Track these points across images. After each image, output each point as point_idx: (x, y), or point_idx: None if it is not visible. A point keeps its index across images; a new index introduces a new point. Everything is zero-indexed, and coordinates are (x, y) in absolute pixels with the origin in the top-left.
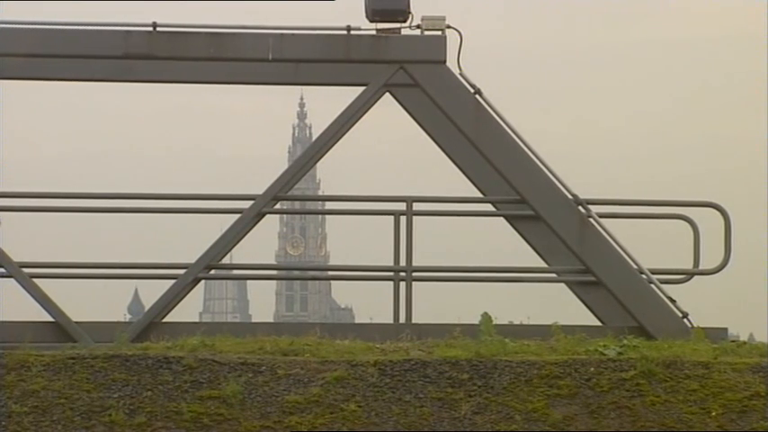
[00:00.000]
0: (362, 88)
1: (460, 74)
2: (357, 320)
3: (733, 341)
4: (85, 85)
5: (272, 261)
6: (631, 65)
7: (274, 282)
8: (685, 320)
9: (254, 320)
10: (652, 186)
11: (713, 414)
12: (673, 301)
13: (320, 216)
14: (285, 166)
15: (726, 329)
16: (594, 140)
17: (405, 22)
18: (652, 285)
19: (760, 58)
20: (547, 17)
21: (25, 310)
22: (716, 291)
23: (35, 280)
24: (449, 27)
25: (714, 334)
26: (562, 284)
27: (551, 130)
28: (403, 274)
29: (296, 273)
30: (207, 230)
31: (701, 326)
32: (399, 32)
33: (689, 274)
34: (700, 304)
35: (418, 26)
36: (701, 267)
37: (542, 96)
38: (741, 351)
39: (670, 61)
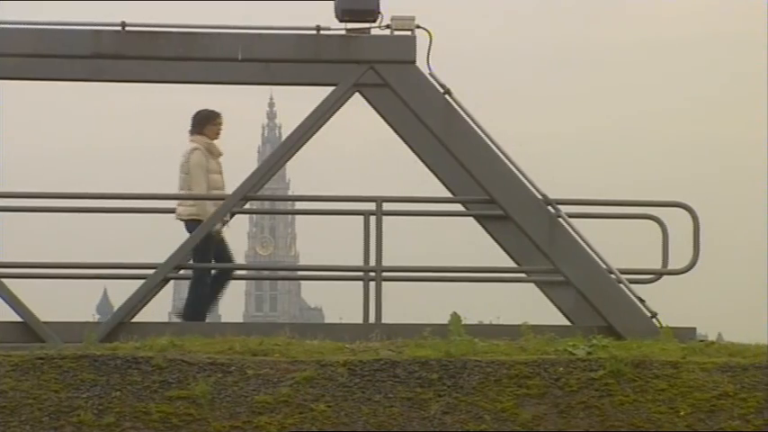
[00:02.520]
0: (332, 88)
1: (430, 74)
2: (327, 320)
3: (701, 341)
4: (53, 84)
5: (242, 261)
6: (610, 66)
7: (244, 282)
8: (654, 320)
9: (223, 320)
10: (625, 187)
11: (682, 413)
12: (642, 300)
13: (290, 216)
14: (255, 165)
15: (694, 329)
16: (569, 142)
17: (374, 22)
18: (621, 285)
19: (739, 60)
20: (523, 17)
21: None
22: (684, 291)
23: (2, 280)
24: (418, 27)
25: (683, 334)
26: (532, 284)
27: (527, 131)
28: (373, 274)
29: (265, 273)
30: (176, 230)
31: (670, 326)
32: (369, 32)
33: (658, 274)
34: (668, 304)
35: (388, 26)
36: (669, 267)
37: (516, 97)
38: (709, 351)
39: (651, 62)
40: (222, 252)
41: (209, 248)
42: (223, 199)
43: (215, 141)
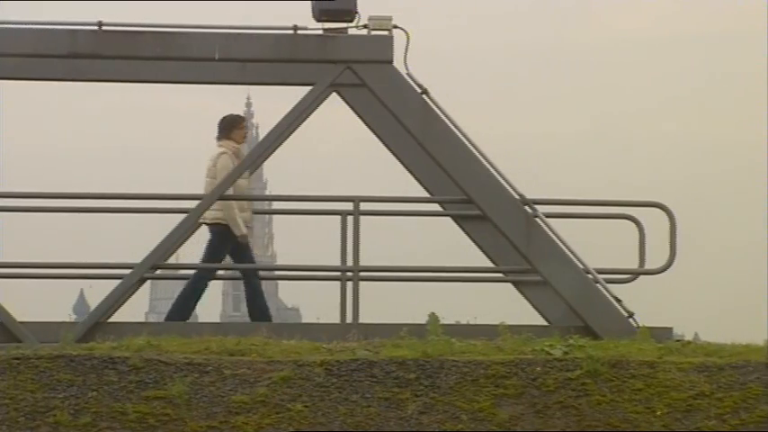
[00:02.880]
0: (309, 88)
1: (407, 74)
2: (304, 320)
3: (678, 341)
4: (29, 84)
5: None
6: (589, 66)
7: (221, 281)
8: (631, 320)
9: (200, 320)
10: (602, 188)
11: (658, 413)
12: (618, 300)
13: (267, 216)
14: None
15: (671, 329)
16: (545, 142)
17: (351, 21)
18: (598, 285)
19: (720, 60)
20: (500, 18)
21: None
22: (661, 291)
23: None
24: (395, 27)
25: (659, 334)
26: (509, 284)
27: (505, 131)
28: (350, 273)
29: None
30: (153, 230)
31: (647, 325)
32: (346, 32)
33: (634, 274)
34: (645, 304)
35: (365, 26)
36: (646, 267)
37: (493, 98)
38: (686, 350)
39: (628, 62)
40: (246, 255)
41: (222, 251)
42: (199, 198)
43: (242, 145)
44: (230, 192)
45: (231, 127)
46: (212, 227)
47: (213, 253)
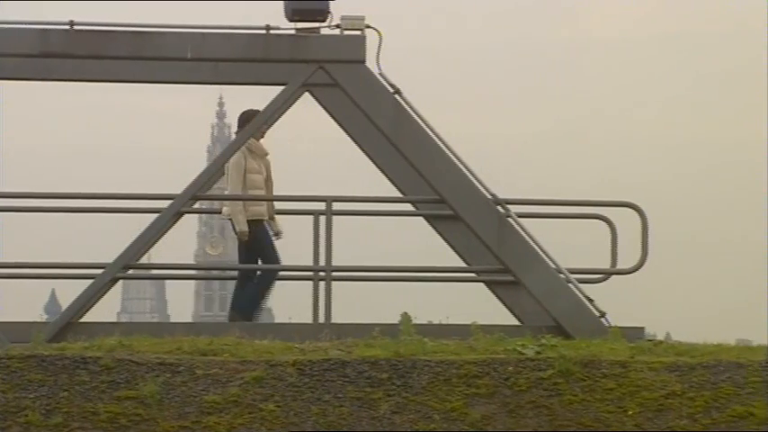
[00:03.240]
0: (282, 88)
1: (380, 73)
2: (276, 320)
3: (650, 340)
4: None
5: (191, 261)
6: (562, 67)
7: (193, 281)
8: (603, 320)
9: (172, 320)
10: (575, 188)
11: (630, 413)
12: (590, 300)
13: None
14: (204, 165)
15: (643, 329)
16: (518, 142)
17: (324, 21)
18: (570, 285)
19: (693, 60)
20: (475, 18)
21: None
22: (633, 290)
23: None
24: (368, 27)
25: (631, 333)
26: (481, 284)
27: (475, 131)
28: (322, 273)
29: (215, 272)
30: (125, 230)
31: (619, 325)
32: (319, 32)
33: (606, 274)
34: (617, 304)
35: (338, 26)
36: (618, 267)
37: (468, 99)
38: (658, 350)
39: (601, 61)
40: (270, 254)
41: (258, 246)
42: (171, 198)
43: (260, 141)
44: (239, 187)
45: (247, 123)
46: (233, 222)
47: (261, 249)
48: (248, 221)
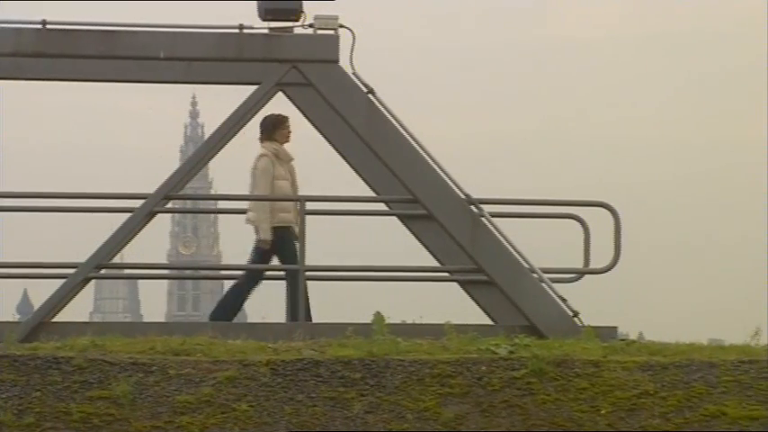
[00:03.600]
0: (255, 87)
1: (353, 73)
2: (249, 320)
3: (622, 340)
4: None
5: (164, 260)
6: (535, 67)
7: (166, 281)
8: (576, 319)
9: (145, 320)
10: (549, 188)
11: (603, 412)
12: (563, 300)
13: (212, 215)
14: (177, 165)
15: (615, 328)
16: (493, 143)
17: (297, 21)
18: (543, 284)
19: (669, 62)
20: (450, 18)
21: None
22: (606, 290)
23: None
24: (341, 26)
25: (604, 333)
26: (455, 284)
27: (450, 132)
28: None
29: (188, 272)
30: (97, 230)
31: (592, 325)
32: (292, 31)
33: (579, 273)
34: (590, 303)
35: (311, 25)
36: (591, 267)
37: (442, 99)
38: (630, 350)
39: (577, 63)
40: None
41: (286, 251)
42: (144, 197)
43: (285, 145)
44: (266, 194)
45: (274, 127)
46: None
47: (287, 254)
48: (276, 228)
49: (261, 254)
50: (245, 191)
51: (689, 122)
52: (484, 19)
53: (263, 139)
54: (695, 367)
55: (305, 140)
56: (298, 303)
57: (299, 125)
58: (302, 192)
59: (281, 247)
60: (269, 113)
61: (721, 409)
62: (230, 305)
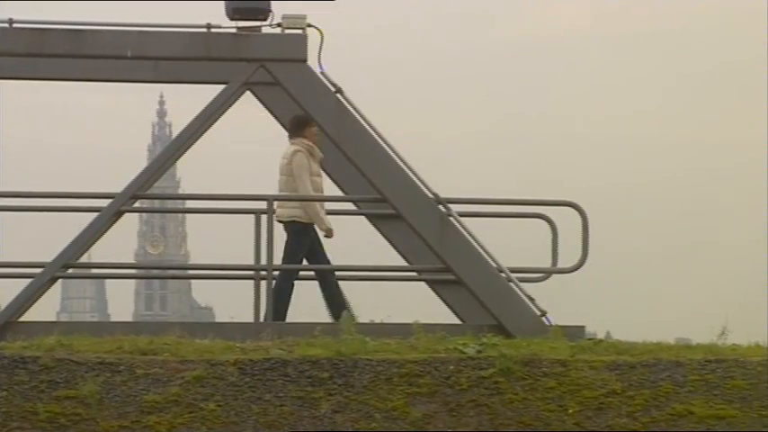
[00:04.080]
0: (223, 86)
1: (321, 73)
2: (217, 320)
3: (590, 339)
4: None
5: (132, 260)
6: (498, 67)
7: (134, 281)
8: (543, 319)
9: (112, 320)
10: (516, 188)
11: (570, 411)
12: (531, 299)
13: (180, 215)
14: (145, 164)
15: (583, 327)
16: (457, 143)
17: (265, 20)
18: (511, 284)
19: (625, 61)
20: (413, 18)
21: None
22: (574, 289)
23: None
24: (309, 26)
25: (572, 332)
26: (422, 283)
27: (417, 132)
28: (264, 273)
29: (155, 272)
30: (64, 229)
31: (559, 324)
32: (260, 31)
33: (547, 273)
34: (558, 303)
35: (279, 25)
36: (559, 266)
37: (407, 99)
38: (598, 349)
39: (541, 63)
40: (322, 257)
41: (300, 250)
42: (112, 197)
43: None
44: (309, 188)
45: (304, 125)
46: (288, 225)
47: (292, 252)
48: (306, 224)
49: (304, 247)
50: (213, 190)
51: (654, 123)
52: (439, 22)
53: (292, 136)
54: (662, 366)
55: (274, 141)
56: (342, 302)
57: (271, 126)
58: (269, 191)
59: (295, 241)
60: (298, 113)
61: (688, 408)
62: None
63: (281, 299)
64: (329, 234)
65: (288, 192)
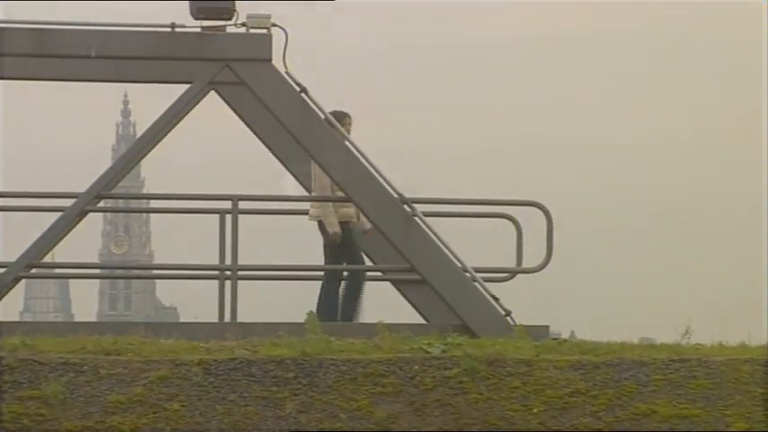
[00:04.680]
0: (187, 86)
1: (286, 72)
2: (182, 320)
3: (554, 339)
4: None
5: (96, 260)
6: (460, 65)
7: (98, 281)
8: (508, 318)
9: (76, 320)
10: (479, 187)
11: (535, 411)
12: (496, 299)
13: (144, 214)
14: (109, 164)
15: (547, 327)
16: (423, 143)
17: (230, 19)
18: (476, 284)
19: (563, 61)
20: (376, 18)
21: None
22: (538, 289)
23: None
24: (274, 25)
25: (536, 332)
26: (387, 283)
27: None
28: (228, 272)
29: (119, 272)
30: (28, 228)
31: (524, 324)
32: (224, 30)
33: (512, 273)
34: (522, 302)
35: (243, 24)
36: (524, 266)
37: (373, 98)
38: (562, 349)
39: (510, 62)
40: (357, 257)
41: (344, 251)
42: (75, 197)
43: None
44: (327, 188)
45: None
46: (321, 224)
47: (339, 254)
48: (341, 224)
49: (333, 249)
50: (178, 190)
51: (607, 124)
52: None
53: None
54: (626, 366)
55: (239, 140)
56: (356, 303)
57: (236, 125)
58: (234, 191)
59: (342, 241)
60: (333, 110)
61: (652, 408)
62: (335, 308)
63: (349, 300)
64: (335, 238)
65: (316, 190)
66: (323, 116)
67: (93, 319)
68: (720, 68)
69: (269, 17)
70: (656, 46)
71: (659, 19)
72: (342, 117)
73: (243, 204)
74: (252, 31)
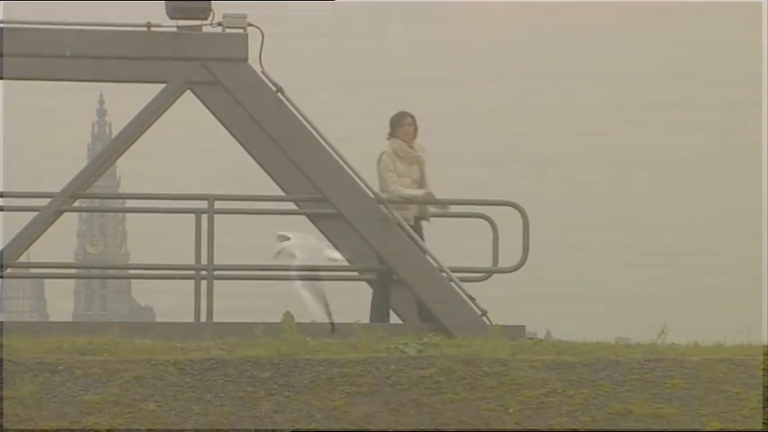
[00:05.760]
0: (163, 85)
1: (263, 72)
2: (158, 319)
3: (530, 339)
4: None
5: (71, 259)
6: (431, 64)
7: (73, 280)
8: (484, 318)
9: (51, 320)
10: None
11: (511, 410)
12: (472, 299)
13: (120, 214)
14: (84, 163)
15: (523, 327)
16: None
17: (206, 19)
18: (452, 283)
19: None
20: (348, 18)
21: None
22: (514, 289)
23: None
24: (250, 25)
25: (512, 332)
26: (364, 282)
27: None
28: (204, 272)
29: (95, 271)
30: (3, 228)
31: (500, 324)
32: (201, 30)
33: (488, 273)
34: (498, 302)
35: (219, 24)
36: (500, 266)
37: (349, 98)
38: (538, 348)
39: (473, 61)
40: None
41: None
42: (51, 196)
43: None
44: (393, 189)
45: (396, 125)
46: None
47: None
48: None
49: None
50: (153, 189)
51: (581, 118)
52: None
53: (388, 136)
54: (602, 366)
55: (215, 140)
56: (384, 304)
57: (209, 124)
58: (210, 190)
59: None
60: (397, 111)
61: (627, 407)
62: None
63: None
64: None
65: (381, 191)
66: (299, 115)
67: (68, 319)
68: (721, 68)
69: (245, 17)
70: (656, 46)
71: (659, 19)
72: (402, 117)
73: (219, 204)
74: (228, 30)
